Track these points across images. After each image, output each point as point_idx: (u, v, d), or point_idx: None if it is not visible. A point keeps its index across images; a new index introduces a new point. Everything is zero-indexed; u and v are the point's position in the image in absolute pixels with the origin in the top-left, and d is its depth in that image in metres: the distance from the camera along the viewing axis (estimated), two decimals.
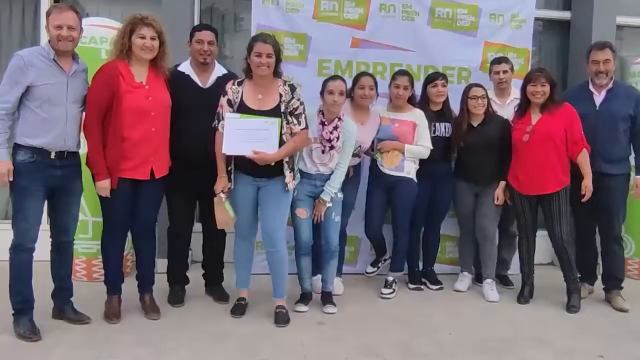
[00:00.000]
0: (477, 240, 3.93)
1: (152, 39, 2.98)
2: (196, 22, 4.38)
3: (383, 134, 3.70)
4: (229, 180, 3.11)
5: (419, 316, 3.44)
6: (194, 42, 3.32)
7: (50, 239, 3.03)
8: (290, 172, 3.10)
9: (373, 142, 3.71)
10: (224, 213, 3.10)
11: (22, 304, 2.86)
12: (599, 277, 3.92)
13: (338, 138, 3.29)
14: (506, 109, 3.93)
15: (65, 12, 2.81)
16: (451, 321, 3.38)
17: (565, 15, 4.84)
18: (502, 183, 3.75)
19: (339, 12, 4.09)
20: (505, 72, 3.94)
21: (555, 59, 4.95)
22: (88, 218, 3.75)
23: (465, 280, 4.02)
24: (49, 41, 2.84)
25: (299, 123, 3.08)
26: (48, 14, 2.84)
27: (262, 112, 3.01)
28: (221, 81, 3.28)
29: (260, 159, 2.95)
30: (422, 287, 3.99)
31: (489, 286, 3.84)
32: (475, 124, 3.78)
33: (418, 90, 3.85)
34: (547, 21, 4.89)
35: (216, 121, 3.07)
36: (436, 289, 3.98)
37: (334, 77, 3.38)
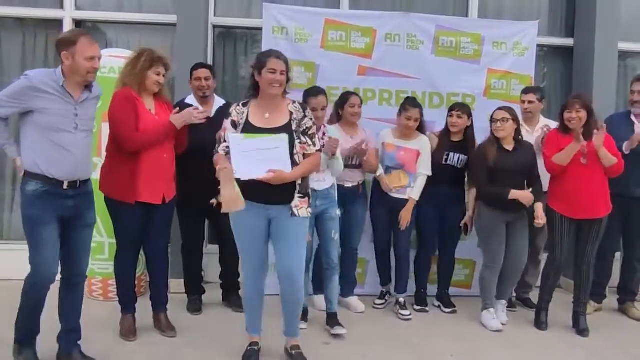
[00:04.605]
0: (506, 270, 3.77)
1: (164, 75, 3.22)
2: (210, 50, 4.62)
3: (388, 161, 3.84)
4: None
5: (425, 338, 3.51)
6: (193, 80, 3.75)
7: (60, 275, 2.78)
8: (303, 197, 2.81)
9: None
10: (232, 189, 2.64)
11: (28, 333, 2.73)
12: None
13: None
14: (534, 136, 4.00)
15: (96, 44, 2.72)
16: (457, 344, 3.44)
17: (568, 42, 4.95)
18: (540, 204, 3.61)
19: (346, 41, 4.24)
20: (531, 102, 3.99)
21: (559, 85, 5.03)
22: (104, 239, 3.90)
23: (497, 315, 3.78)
24: (61, 68, 2.67)
25: (314, 144, 2.85)
26: (72, 42, 2.64)
27: (271, 130, 2.75)
28: (221, 110, 3.68)
29: (277, 178, 2.67)
30: (427, 309, 4.00)
31: (502, 307, 3.82)
32: (509, 148, 3.66)
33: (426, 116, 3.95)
34: (550, 48, 5.00)
35: (217, 145, 2.86)
36: (449, 312, 4.00)
37: (315, 93, 3.42)
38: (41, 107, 2.60)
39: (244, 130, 2.77)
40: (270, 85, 2.74)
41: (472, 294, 4.20)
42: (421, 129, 3.89)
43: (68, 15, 4.52)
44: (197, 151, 3.43)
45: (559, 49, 5.00)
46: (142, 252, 3.63)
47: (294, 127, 2.78)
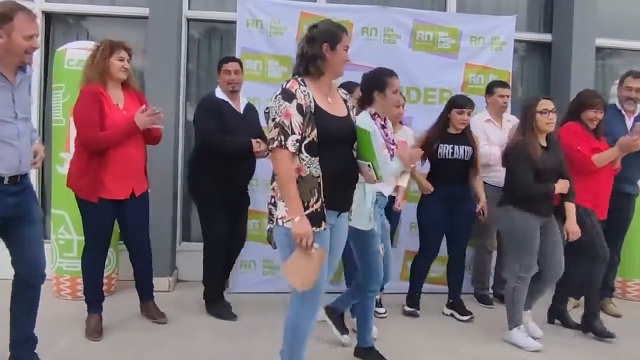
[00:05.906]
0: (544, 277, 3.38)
1: (128, 61, 3.13)
2: (183, 46, 4.52)
3: None
4: (322, 220, 2.22)
5: None
6: (222, 73, 3.58)
7: (14, 279, 2.54)
8: None
9: None
10: (318, 270, 2.19)
11: None
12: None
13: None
14: (503, 132, 3.94)
15: (35, 20, 2.40)
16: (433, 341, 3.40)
17: (547, 37, 4.94)
18: (573, 206, 3.26)
19: None
20: (508, 96, 4.01)
21: (537, 80, 5.03)
22: (73, 237, 3.79)
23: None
24: None
25: None
26: (8, 17, 2.29)
27: (340, 119, 2.34)
28: (248, 107, 3.64)
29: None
30: (419, 312, 3.82)
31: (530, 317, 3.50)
32: (544, 144, 3.23)
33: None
34: (529, 43, 4.99)
35: (282, 137, 2.16)
36: (466, 320, 3.73)
37: (393, 73, 3.01)
38: None
39: (316, 115, 2.23)
40: (342, 65, 2.36)
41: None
42: None
43: (37, 7, 4.38)
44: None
45: (537, 44, 5.00)
46: (111, 249, 3.57)
47: (352, 116, 2.44)
